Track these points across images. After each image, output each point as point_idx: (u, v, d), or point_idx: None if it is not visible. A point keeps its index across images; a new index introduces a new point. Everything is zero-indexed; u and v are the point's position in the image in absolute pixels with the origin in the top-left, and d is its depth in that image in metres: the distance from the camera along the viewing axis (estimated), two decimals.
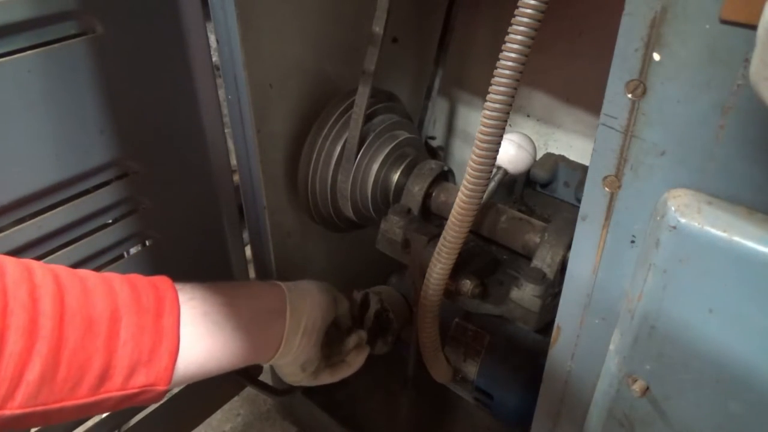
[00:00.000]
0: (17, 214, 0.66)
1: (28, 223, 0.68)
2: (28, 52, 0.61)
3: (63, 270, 0.50)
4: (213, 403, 1.07)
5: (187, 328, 0.54)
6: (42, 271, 0.48)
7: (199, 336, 0.56)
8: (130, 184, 0.76)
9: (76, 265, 0.74)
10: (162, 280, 0.57)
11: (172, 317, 0.53)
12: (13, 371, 0.43)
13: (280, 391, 0.90)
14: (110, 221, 0.77)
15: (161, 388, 0.52)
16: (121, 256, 0.81)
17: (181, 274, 0.86)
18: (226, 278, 0.96)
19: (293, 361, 0.68)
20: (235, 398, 1.16)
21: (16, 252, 0.67)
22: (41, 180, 0.67)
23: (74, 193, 0.70)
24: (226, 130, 0.83)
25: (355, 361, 0.77)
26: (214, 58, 0.78)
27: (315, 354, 0.70)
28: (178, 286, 0.57)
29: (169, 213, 0.82)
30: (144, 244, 0.83)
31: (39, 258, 0.70)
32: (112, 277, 0.53)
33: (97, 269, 0.77)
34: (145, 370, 0.50)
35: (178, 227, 0.84)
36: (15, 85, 0.61)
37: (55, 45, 0.63)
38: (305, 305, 0.68)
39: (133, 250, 0.83)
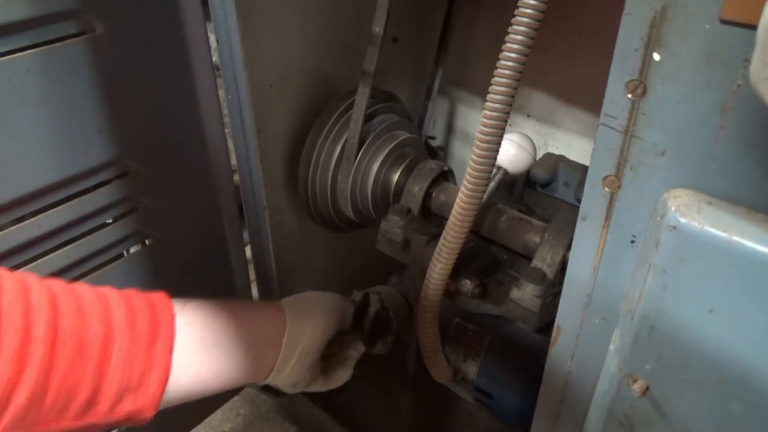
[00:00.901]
0: (17, 212, 0.66)
1: (27, 221, 0.68)
2: (28, 51, 0.61)
3: (60, 288, 0.49)
4: (213, 402, 1.07)
5: (180, 355, 0.53)
6: (39, 288, 0.47)
7: (191, 364, 0.55)
8: (130, 184, 0.76)
9: (75, 264, 0.74)
10: (160, 300, 0.55)
11: (165, 344, 0.52)
12: (0, 396, 0.42)
13: (279, 391, 0.90)
14: (110, 220, 0.77)
15: (148, 414, 0.52)
16: (121, 255, 0.81)
17: (181, 274, 0.86)
18: (225, 278, 0.96)
19: (284, 381, 0.68)
20: (235, 398, 1.16)
21: (16, 251, 0.67)
22: (40, 179, 0.67)
23: (74, 192, 0.70)
24: (225, 130, 0.83)
25: (338, 378, 0.76)
26: (214, 58, 0.78)
27: (307, 375, 0.70)
28: (177, 307, 0.56)
29: (168, 212, 0.82)
30: (143, 244, 0.83)
31: (39, 257, 0.70)
32: (109, 294, 0.52)
33: (97, 269, 0.77)
34: (133, 397, 0.50)
35: (177, 227, 0.84)
36: (14, 84, 0.61)
37: (55, 44, 0.63)
38: (305, 332, 0.67)
39: (132, 249, 0.83)
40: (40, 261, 0.70)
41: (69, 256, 0.73)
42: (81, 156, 0.69)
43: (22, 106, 0.62)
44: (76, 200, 0.71)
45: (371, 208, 0.83)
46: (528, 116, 0.97)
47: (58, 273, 0.72)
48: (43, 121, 0.65)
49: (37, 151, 0.65)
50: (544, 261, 0.67)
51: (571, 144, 0.94)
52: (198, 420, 1.05)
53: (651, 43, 0.39)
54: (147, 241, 0.83)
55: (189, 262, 0.88)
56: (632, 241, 0.47)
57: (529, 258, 0.70)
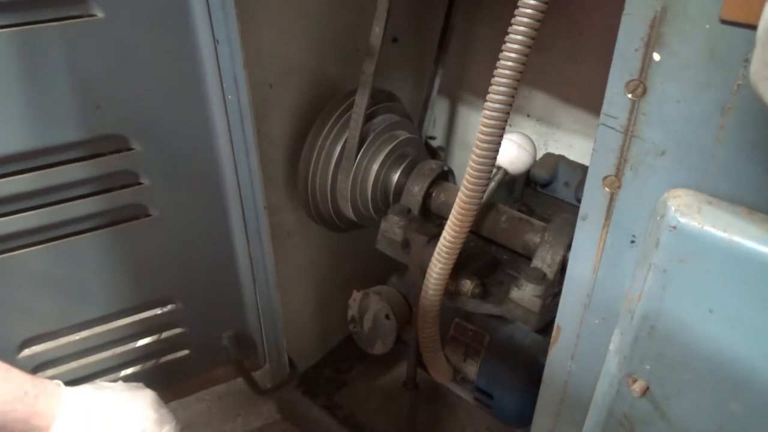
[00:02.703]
0: (10, 167, 0.68)
1: (17, 177, 0.68)
2: (31, 26, 0.62)
3: None
4: (200, 381, 1.03)
5: None
6: None
7: None
8: (127, 160, 0.75)
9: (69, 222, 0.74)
10: None
11: None
12: None
13: (264, 390, 0.90)
14: (104, 189, 0.76)
15: None
16: (117, 222, 0.80)
17: (182, 254, 0.85)
18: (228, 275, 0.96)
19: None
20: (235, 399, 1.16)
21: (14, 199, 0.69)
22: (30, 141, 0.67)
23: (70, 157, 0.71)
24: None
25: None
26: None
27: None
28: None
29: (171, 194, 0.81)
30: (143, 218, 0.82)
31: (28, 210, 0.70)
32: None
33: (103, 227, 0.77)
34: None
35: (179, 209, 0.83)
36: (19, 55, 0.62)
37: (53, 24, 0.63)
38: None
39: (130, 222, 0.82)
40: (31, 213, 0.71)
41: (57, 215, 0.73)
42: (76, 126, 0.70)
43: (25, 75, 0.64)
44: (73, 165, 0.72)
45: (371, 208, 0.83)
46: (528, 116, 0.97)
47: (51, 227, 0.72)
48: (43, 90, 0.65)
49: (32, 115, 0.66)
50: (544, 261, 0.67)
51: (571, 144, 0.94)
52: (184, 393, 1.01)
53: (651, 43, 0.39)
54: (146, 216, 0.82)
55: (191, 252, 0.87)
56: (632, 241, 0.47)
57: (529, 258, 0.70)
